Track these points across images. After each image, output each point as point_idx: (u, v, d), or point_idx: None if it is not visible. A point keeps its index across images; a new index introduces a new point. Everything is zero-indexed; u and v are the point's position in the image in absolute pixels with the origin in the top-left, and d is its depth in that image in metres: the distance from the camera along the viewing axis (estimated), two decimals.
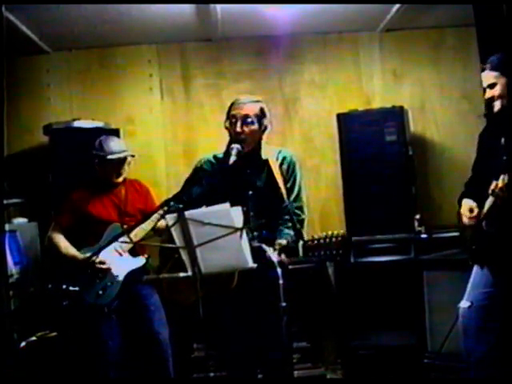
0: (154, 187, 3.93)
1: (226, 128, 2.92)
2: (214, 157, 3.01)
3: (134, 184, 3.69)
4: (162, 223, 3.13)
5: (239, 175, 2.89)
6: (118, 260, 3.42)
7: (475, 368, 2.77)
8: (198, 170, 3.02)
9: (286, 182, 2.92)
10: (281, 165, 2.95)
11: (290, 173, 2.96)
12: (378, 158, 4.29)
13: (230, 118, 2.90)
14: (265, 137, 2.95)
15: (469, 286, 2.84)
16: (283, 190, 2.86)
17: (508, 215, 2.56)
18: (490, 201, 2.62)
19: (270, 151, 2.97)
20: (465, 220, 2.76)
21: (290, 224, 2.83)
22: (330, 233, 2.50)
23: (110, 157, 3.50)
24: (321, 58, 4.79)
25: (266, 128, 2.92)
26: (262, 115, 2.89)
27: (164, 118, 4.75)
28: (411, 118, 4.58)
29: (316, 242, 2.52)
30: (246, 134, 2.85)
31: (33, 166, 4.39)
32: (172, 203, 2.73)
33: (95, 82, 4.69)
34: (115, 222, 3.48)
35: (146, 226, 3.29)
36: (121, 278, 3.41)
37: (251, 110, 2.88)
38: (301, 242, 2.58)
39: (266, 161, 2.92)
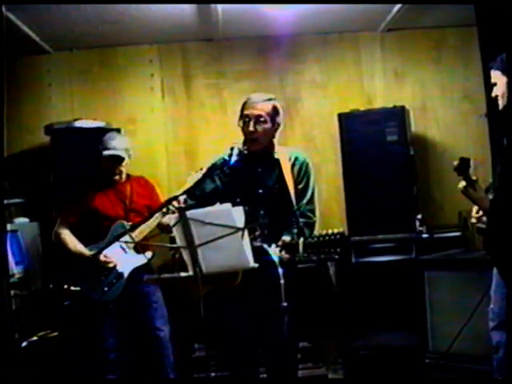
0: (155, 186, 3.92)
1: (240, 126, 2.91)
2: (229, 155, 2.96)
3: (139, 181, 3.71)
4: (166, 219, 3.14)
5: (250, 173, 2.89)
6: (123, 257, 3.43)
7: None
8: (213, 166, 2.98)
9: (296, 183, 2.90)
10: (293, 165, 2.93)
11: (302, 174, 2.93)
12: (379, 157, 4.29)
13: (244, 117, 2.89)
14: (277, 135, 2.95)
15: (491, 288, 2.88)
16: (292, 191, 2.85)
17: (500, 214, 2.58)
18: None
19: (282, 151, 2.96)
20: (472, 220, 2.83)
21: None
22: (329, 231, 2.51)
23: (105, 153, 3.51)
24: (322, 58, 4.80)
25: (278, 126, 2.92)
26: (274, 113, 2.89)
27: (165, 117, 4.75)
28: (412, 118, 4.57)
29: (315, 239, 2.53)
30: (258, 133, 2.85)
31: (34, 166, 4.39)
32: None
33: (96, 82, 4.70)
34: (121, 219, 3.49)
35: (152, 222, 3.31)
36: (125, 274, 3.42)
37: (264, 109, 2.87)
38: (301, 239, 2.58)
39: (278, 160, 2.92)
